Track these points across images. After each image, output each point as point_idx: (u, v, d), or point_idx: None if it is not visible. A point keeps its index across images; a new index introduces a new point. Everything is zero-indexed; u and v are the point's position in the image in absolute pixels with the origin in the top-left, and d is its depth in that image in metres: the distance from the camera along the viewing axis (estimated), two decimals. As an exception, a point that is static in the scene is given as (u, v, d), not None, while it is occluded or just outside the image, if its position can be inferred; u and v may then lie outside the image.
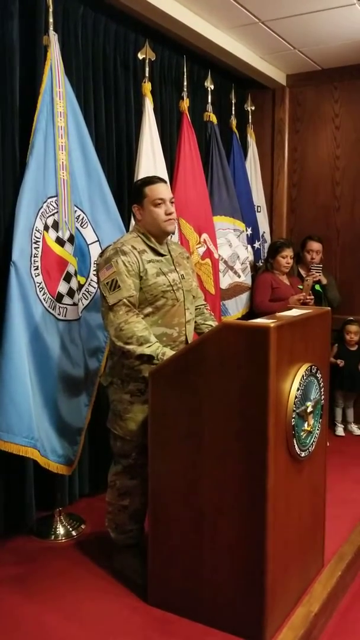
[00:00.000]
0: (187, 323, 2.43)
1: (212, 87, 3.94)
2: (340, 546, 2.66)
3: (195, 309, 2.62)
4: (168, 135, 3.66)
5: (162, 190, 2.38)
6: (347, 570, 2.54)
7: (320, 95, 4.53)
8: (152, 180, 2.41)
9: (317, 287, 4.06)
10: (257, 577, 2.01)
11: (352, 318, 4.34)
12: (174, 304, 2.37)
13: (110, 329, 2.28)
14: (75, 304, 2.73)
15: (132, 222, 3.08)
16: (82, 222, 2.81)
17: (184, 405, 2.11)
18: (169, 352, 2.24)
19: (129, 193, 3.26)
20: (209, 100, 3.94)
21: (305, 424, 2.19)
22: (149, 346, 2.23)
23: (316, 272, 3.98)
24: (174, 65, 3.70)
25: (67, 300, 2.68)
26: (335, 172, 4.53)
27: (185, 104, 3.58)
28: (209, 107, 3.94)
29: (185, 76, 3.62)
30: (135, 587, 2.34)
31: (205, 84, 3.92)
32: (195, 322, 2.64)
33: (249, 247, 4.25)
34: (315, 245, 4.13)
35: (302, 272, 4.17)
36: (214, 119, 3.94)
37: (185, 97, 3.60)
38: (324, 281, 4.10)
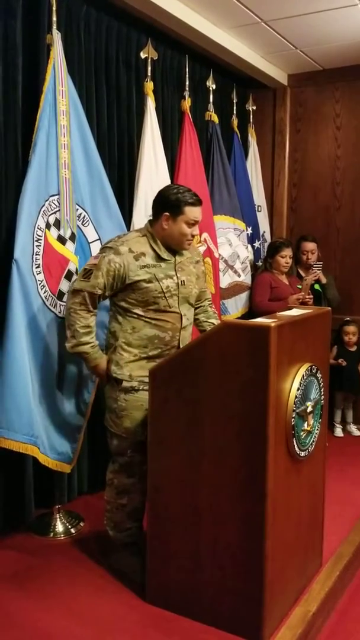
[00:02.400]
0: (183, 329, 2.43)
1: (214, 86, 3.95)
2: (338, 546, 2.67)
3: (199, 307, 2.63)
4: (169, 135, 3.66)
5: (199, 214, 2.38)
6: (346, 570, 2.54)
7: (321, 96, 4.53)
8: (195, 203, 2.36)
9: (317, 286, 4.07)
10: (256, 576, 2.01)
11: (348, 318, 4.35)
12: (167, 310, 2.37)
13: (66, 304, 2.45)
14: (75, 302, 2.73)
15: (134, 220, 3.09)
16: (83, 221, 2.81)
17: (184, 404, 2.12)
18: (101, 362, 2.39)
19: (130, 192, 3.26)
20: (211, 100, 3.94)
21: (305, 424, 2.20)
22: (79, 345, 2.36)
23: (317, 270, 3.99)
24: (176, 65, 3.70)
25: (66, 299, 2.68)
26: (336, 172, 4.54)
27: (186, 103, 3.58)
28: (211, 107, 3.94)
29: (187, 76, 3.62)
30: (134, 585, 2.34)
31: (207, 83, 3.92)
32: (198, 319, 2.65)
33: (249, 246, 4.25)
34: (309, 246, 4.14)
35: (301, 272, 4.17)
36: (215, 118, 3.94)
37: (187, 97, 3.60)
38: (324, 280, 4.10)
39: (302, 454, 2.20)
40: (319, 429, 2.35)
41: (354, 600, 2.50)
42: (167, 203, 2.36)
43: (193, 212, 2.35)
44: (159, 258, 2.37)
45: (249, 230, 4.28)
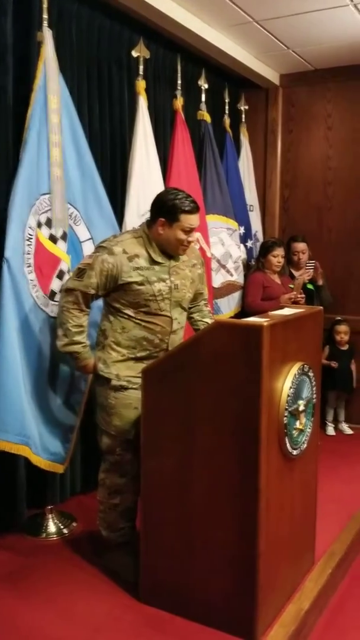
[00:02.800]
0: (173, 333, 2.42)
1: (206, 86, 3.94)
2: (330, 544, 2.67)
3: (195, 306, 2.63)
4: (162, 134, 3.66)
5: (196, 221, 2.36)
6: (338, 567, 2.55)
7: (313, 96, 4.54)
8: (191, 210, 2.32)
9: (309, 286, 4.08)
10: (249, 574, 2.02)
11: (339, 318, 4.36)
12: (157, 313, 2.36)
13: (58, 303, 2.44)
14: (68, 302, 2.72)
15: (126, 219, 3.09)
16: (75, 220, 2.80)
17: (177, 403, 2.12)
18: (90, 362, 2.39)
19: (122, 190, 3.25)
20: (203, 99, 3.94)
21: (297, 423, 2.20)
22: (71, 345, 2.36)
23: (310, 269, 4.00)
24: (168, 64, 3.70)
25: (59, 297, 2.67)
26: (328, 172, 4.55)
27: (179, 102, 3.58)
28: (203, 106, 3.94)
29: (179, 75, 3.62)
30: (127, 585, 2.34)
31: (199, 82, 3.92)
32: (193, 318, 2.65)
33: (242, 246, 4.26)
34: (299, 246, 4.15)
35: (293, 272, 4.18)
36: (207, 117, 3.94)
37: (179, 96, 3.60)
38: (321, 282, 4.11)
39: (295, 452, 2.21)
40: (312, 428, 2.35)
41: (346, 598, 2.51)
42: (164, 208, 2.33)
43: (189, 220, 2.32)
44: (153, 261, 2.35)
45: (242, 230, 4.28)
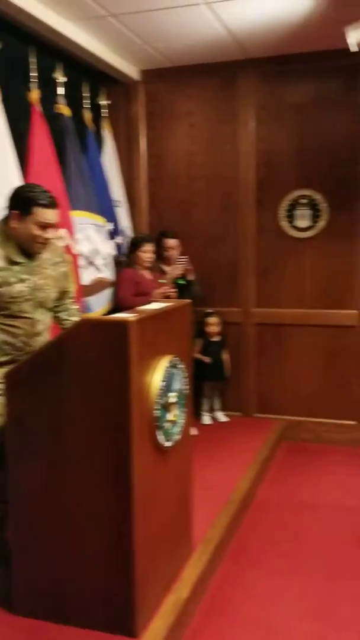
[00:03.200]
0: (37, 335, 2.35)
1: (63, 79, 3.84)
2: (207, 530, 2.74)
3: (61, 305, 2.55)
4: (18, 128, 3.49)
5: (52, 217, 2.26)
6: (215, 553, 2.63)
7: (174, 92, 4.61)
8: (47, 204, 2.23)
9: (181, 280, 4.15)
10: (125, 571, 2.00)
11: (210, 310, 4.50)
12: (19, 315, 2.27)
13: None
14: None
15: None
16: None
17: (44, 406, 2.05)
18: None
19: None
20: (61, 93, 3.83)
21: (169, 415, 2.23)
22: None
23: (180, 265, 4.07)
24: (23, 55, 3.55)
25: None
26: (192, 168, 4.65)
27: (34, 95, 3.45)
28: (61, 100, 3.84)
29: (34, 67, 3.49)
30: (0, 599, 2.22)
31: (56, 75, 3.81)
32: (59, 317, 2.58)
33: (111, 242, 4.22)
34: (170, 242, 4.22)
35: (165, 267, 4.23)
36: (66, 111, 3.83)
37: (34, 89, 3.47)
38: (192, 277, 4.19)
39: (168, 444, 2.23)
40: (184, 419, 2.39)
41: (224, 581, 2.59)
42: (18, 201, 2.25)
43: (44, 214, 2.24)
44: (11, 261, 2.24)
45: (110, 226, 4.24)
